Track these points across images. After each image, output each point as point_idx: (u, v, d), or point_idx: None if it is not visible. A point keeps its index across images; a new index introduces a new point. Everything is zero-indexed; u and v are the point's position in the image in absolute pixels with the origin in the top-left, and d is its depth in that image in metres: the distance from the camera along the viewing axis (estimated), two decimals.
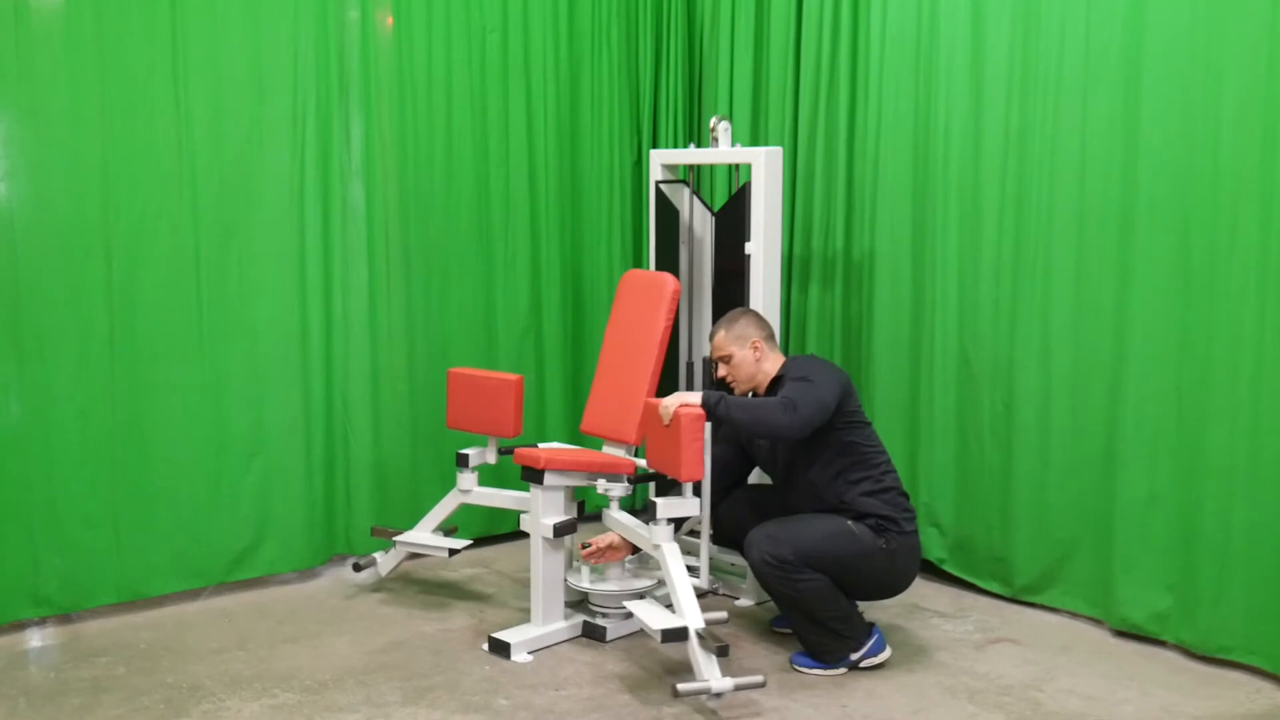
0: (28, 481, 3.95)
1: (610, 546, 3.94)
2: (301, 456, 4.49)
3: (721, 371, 3.86)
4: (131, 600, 4.18)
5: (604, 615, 3.97)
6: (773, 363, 3.84)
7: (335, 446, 4.61)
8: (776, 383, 3.79)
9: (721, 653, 3.37)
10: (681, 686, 3.33)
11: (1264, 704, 3.47)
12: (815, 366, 3.75)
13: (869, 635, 3.70)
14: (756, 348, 3.81)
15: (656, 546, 3.65)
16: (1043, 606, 4.20)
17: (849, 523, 3.65)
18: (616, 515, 3.96)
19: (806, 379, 3.64)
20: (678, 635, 3.45)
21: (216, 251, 4.27)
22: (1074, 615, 4.12)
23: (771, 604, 4.29)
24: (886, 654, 3.73)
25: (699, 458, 3.56)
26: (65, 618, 4.10)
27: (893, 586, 3.79)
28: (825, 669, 3.67)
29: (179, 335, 4.21)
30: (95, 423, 4.06)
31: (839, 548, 3.61)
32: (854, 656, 3.67)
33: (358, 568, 4.44)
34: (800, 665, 3.71)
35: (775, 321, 4.28)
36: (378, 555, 4.43)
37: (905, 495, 3.79)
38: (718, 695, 3.37)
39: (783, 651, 3.84)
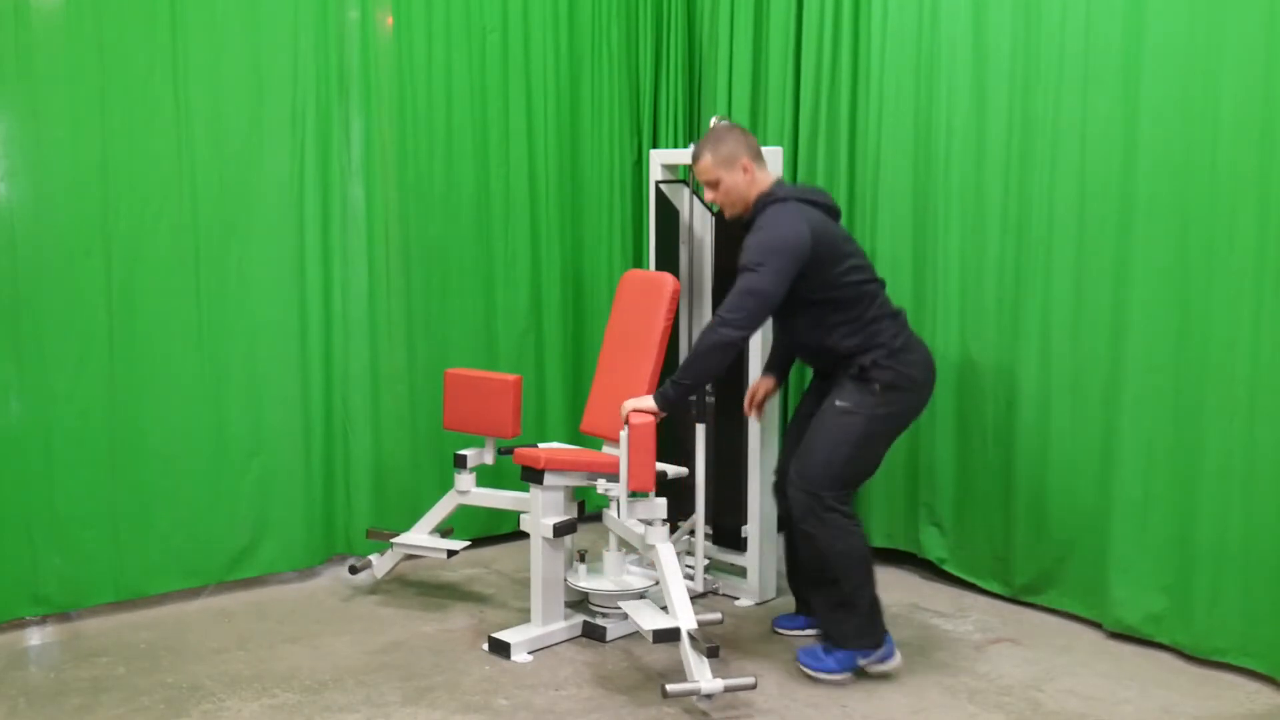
0: (27, 481, 3.96)
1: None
2: (301, 456, 4.49)
3: (709, 196, 3.64)
4: (130, 599, 4.18)
5: (604, 615, 3.97)
6: (762, 182, 3.60)
7: (335, 446, 4.61)
8: (749, 223, 3.57)
9: (712, 654, 3.37)
10: (671, 687, 3.33)
11: (1263, 704, 3.47)
12: (773, 241, 3.41)
13: (883, 642, 3.62)
14: (746, 169, 3.56)
15: (651, 547, 3.65)
16: (1042, 607, 4.19)
17: (837, 404, 3.54)
18: (616, 515, 3.96)
19: (750, 269, 3.41)
20: (669, 636, 3.46)
21: (216, 251, 4.27)
22: (1073, 617, 4.11)
23: (774, 604, 4.30)
24: (896, 661, 3.63)
25: (647, 469, 3.53)
26: (64, 617, 4.10)
27: (918, 409, 3.69)
28: (830, 672, 3.62)
29: (178, 335, 4.21)
30: (94, 422, 4.06)
31: (850, 443, 3.50)
32: (862, 661, 3.61)
33: (354, 570, 4.43)
34: (806, 665, 3.66)
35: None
36: (374, 557, 4.43)
37: (896, 316, 3.61)
38: (707, 696, 3.38)
39: (784, 653, 3.84)
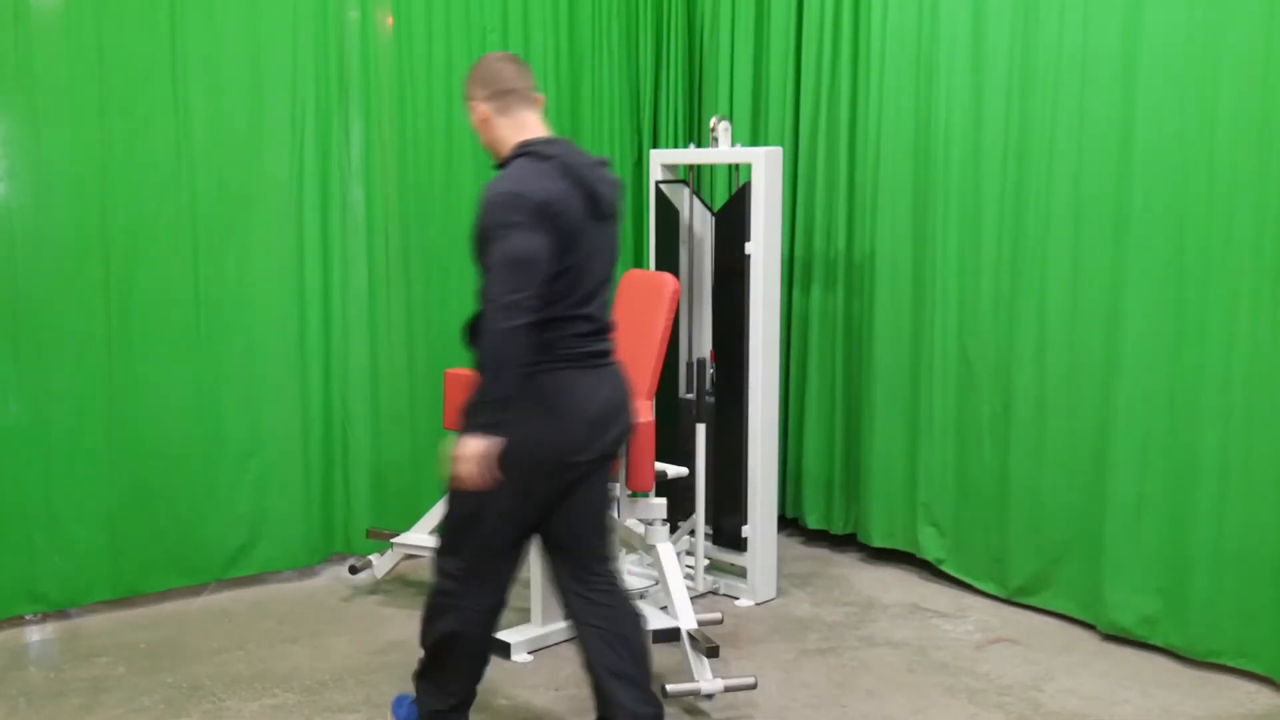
0: (25, 480, 3.96)
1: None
2: (299, 456, 4.50)
3: None
4: (128, 597, 4.19)
5: None
6: (513, 130, 2.86)
7: (334, 446, 4.61)
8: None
9: (711, 654, 3.37)
10: (671, 687, 3.34)
11: (1263, 704, 3.47)
12: (512, 194, 2.66)
13: None
14: (474, 109, 2.89)
15: (651, 547, 3.65)
16: (1036, 609, 4.18)
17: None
18: (616, 515, 3.96)
19: (501, 229, 2.62)
20: (670, 636, 3.46)
21: (215, 251, 4.27)
22: (1071, 619, 4.09)
23: (773, 604, 4.30)
24: None
25: (647, 469, 3.53)
26: (63, 615, 4.11)
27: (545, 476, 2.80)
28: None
29: (176, 335, 4.21)
30: (92, 421, 4.07)
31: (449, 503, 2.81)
32: None
33: (354, 570, 4.43)
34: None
35: (774, 322, 4.28)
36: (374, 557, 4.43)
37: (585, 360, 2.78)
38: (708, 696, 3.38)
39: (784, 653, 3.84)
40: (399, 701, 3.26)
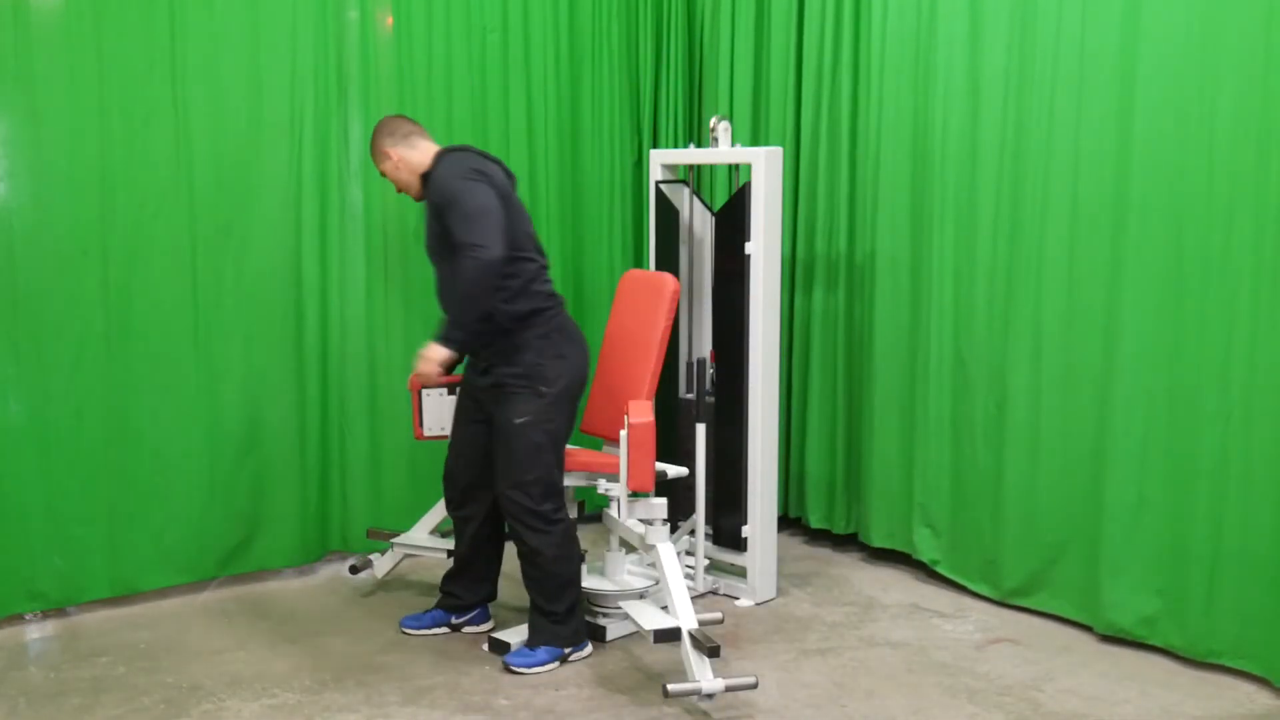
0: (24, 478, 3.97)
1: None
2: (296, 455, 4.50)
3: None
4: (126, 595, 4.19)
5: (604, 615, 3.97)
6: (419, 156, 3.74)
7: (331, 445, 4.61)
8: (427, 179, 3.71)
9: (713, 654, 3.37)
10: (672, 687, 3.34)
11: (1262, 705, 3.47)
12: (463, 166, 3.62)
13: (584, 638, 3.81)
14: (389, 156, 3.75)
15: (651, 547, 3.65)
16: (1030, 610, 4.17)
17: (515, 421, 3.64)
18: (616, 515, 3.96)
19: (460, 195, 3.52)
20: (670, 636, 3.46)
21: (213, 251, 4.27)
22: (1067, 620, 4.09)
23: (774, 604, 4.30)
24: (589, 649, 3.81)
25: (647, 469, 3.56)
26: (62, 614, 4.11)
27: (580, 387, 3.83)
28: (542, 665, 3.68)
29: (175, 334, 4.22)
30: (91, 420, 4.07)
31: (546, 450, 3.66)
32: (566, 652, 3.73)
33: (354, 570, 4.44)
34: (517, 666, 3.68)
35: (774, 322, 4.28)
36: (374, 557, 4.43)
37: (555, 295, 3.75)
38: (709, 696, 3.38)
39: (784, 653, 3.84)
40: (520, 657, 3.69)
